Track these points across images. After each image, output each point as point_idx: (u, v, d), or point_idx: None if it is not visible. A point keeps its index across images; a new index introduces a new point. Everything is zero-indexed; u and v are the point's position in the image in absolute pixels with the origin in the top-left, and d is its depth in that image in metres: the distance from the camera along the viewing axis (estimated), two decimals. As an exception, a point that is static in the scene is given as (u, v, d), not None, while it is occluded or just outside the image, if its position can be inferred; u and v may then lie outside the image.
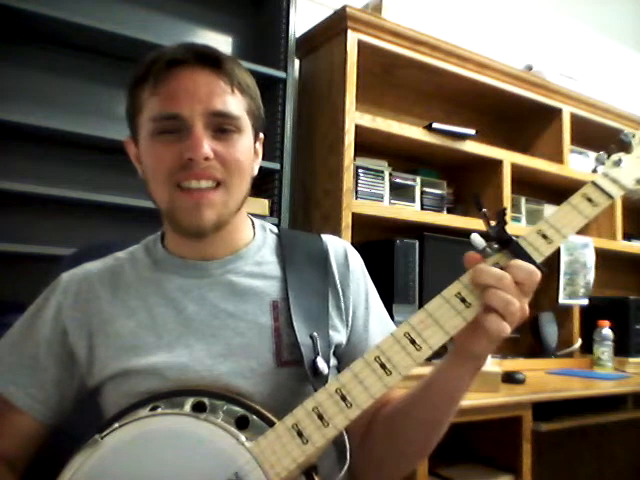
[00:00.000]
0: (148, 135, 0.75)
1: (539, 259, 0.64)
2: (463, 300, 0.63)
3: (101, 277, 0.82)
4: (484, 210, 0.67)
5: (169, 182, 0.74)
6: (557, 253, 2.27)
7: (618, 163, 0.69)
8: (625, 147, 0.71)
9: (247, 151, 0.78)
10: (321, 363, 0.73)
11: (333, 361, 0.80)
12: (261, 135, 0.84)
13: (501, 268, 0.63)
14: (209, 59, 0.75)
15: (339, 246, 0.89)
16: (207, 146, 0.72)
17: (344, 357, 0.82)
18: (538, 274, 0.62)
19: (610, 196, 0.67)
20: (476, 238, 0.66)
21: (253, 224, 0.89)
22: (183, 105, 0.72)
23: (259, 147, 0.84)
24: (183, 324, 0.77)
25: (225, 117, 0.74)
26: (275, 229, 0.90)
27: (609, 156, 0.71)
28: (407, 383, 0.73)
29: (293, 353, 0.75)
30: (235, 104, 0.76)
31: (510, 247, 0.64)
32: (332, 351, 0.80)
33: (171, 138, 0.73)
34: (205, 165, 0.72)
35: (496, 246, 0.65)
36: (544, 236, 0.65)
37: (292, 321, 0.76)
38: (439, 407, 0.74)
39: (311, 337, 0.75)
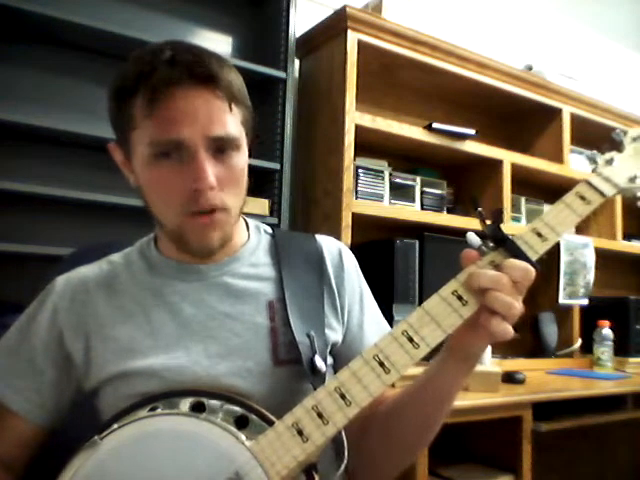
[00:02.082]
0: (146, 159, 0.72)
1: (534, 257, 0.65)
2: (460, 298, 0.64)
3: (97, 281, 0.81)
4: (480, 209, 0.67)
5: (181, 211, 0.72)
6: (557, 253, 2.27)
7: (610, 162, 0.71)
8: (617, 146, 0.72)
9: (245, 166, 0.77)
10: (319, 361, 0.73)
11: (329, 360, 0.80)
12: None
13: (496, 266, 0.64)
14: (203, 76, 0.71)
15: (333, 246, 0.89)
16: (212, 175, 0.70)
17: (339, 356, 0.83)
18: (533, 272, 0.63)
19: (603, 194, 0.68)
20: (472, 237, 0.67)
21: (247, 225, 0.89)
22: (184, 130, 0.69)
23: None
24: (180, 326, 0.77)
25: (225, 140, 0.72)
26: (269, 229, 0.91)
27: (602, 154, 0.72)
28: (404, 382, 0.74)
29: (290, 352, 0.75)
30: (233, 123, 0.73)
31: (506, 245, 0.65)
32: (329, 350, 0.80)
33: (172, 163, 0.71)
34: (210, 195, 0.71)
35: (492, 245, 0.66)
36: (539, 234, 0.66)
37: (289, 320, 0.76)
38: (434, 406, 0.74)
39: (308, 336, 0.75)
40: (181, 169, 0.71)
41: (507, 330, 0.62)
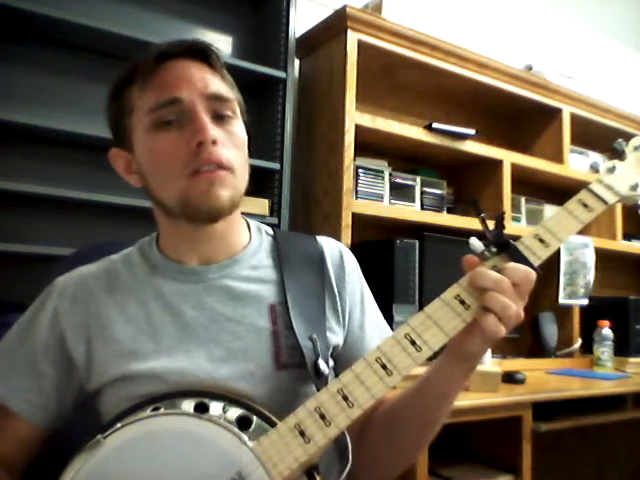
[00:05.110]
0: (146, 130, 0.74)
1: (536, 262, 0.66)
2: (462, 302, 0.64)
3: (97, 281, 0.81)
4: (482, 215, 0.68)
5: (183, 173, 0.73)
6: (557, 253, 2.27)
7: (612, 170, 0.72)
8: (619, 154, 0.74)
9: (244, 137, 0.79)
10: (322, 365, 0.73)
11: (331, 362, 0.80)
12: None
13: (498, 271, 0.64)
14: (199, 52, 0.76)
15: (334, 247, 0.89)
16: (213, 129, 0.73)
17: (341, 358, 0.82)
18: (533, 275, 0.64)
19: (605, 202, 0.69)
20: (475, 242, 0.67)
21: (249, 226, 0.88)
22: (181, 89, 0.73)
23: None
24: (182, 329, 0.76)
25: (222, 100, 0.76)
26: (270, 231, 0.90)
27: (605, 162, 0.73)
28: (406, 383, 0.74)
29: (292, 356, 0.75)
30: (227, 89, 0.78)
31: (508, 251, 0.66)
32: (330, 352, 0.80)
33: (173, 129, 0.73)
34: (212, 149, 0.72)
35: (494, 249, 0.67)
36: (541, 240, 0.67)
37: (292, 324, 0.76)
38: (433, 407, 0.74)
39: (311, 339, 0.75)
40: (182, 133, 0.73)
41: (499, 329, 0.63)
